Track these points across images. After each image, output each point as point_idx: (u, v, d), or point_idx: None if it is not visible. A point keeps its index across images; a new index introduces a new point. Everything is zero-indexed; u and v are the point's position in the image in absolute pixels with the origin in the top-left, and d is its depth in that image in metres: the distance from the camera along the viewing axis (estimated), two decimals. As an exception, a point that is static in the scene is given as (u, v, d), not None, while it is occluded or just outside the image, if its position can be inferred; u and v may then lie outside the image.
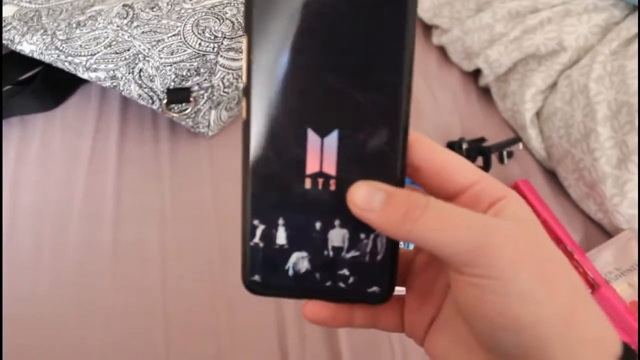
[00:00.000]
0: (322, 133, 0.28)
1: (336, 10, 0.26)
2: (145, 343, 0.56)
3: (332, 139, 0.28)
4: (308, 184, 0.28)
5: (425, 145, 0.28)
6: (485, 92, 0.90)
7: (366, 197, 0.27)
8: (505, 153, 0.78)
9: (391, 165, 0.28)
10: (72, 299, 0.58)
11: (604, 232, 0.75)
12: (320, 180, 0.28)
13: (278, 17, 0.26)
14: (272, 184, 0.29)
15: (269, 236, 0.30)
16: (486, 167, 0.75)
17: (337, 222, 0.29)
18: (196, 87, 0.65)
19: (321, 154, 0.28)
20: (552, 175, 0.81)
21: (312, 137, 0.28)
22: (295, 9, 0.26)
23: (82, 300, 0.58)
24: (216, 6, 0.62)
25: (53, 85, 0.72)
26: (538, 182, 0.79)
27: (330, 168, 0.28)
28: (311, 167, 0.28)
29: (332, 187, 0.28)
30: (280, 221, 0.29)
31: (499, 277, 0.25)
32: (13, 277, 0.58)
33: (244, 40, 0.27)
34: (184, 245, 0.63)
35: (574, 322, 0.25)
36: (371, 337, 0.61)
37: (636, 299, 0.68)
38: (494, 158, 0.78)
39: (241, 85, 0.68)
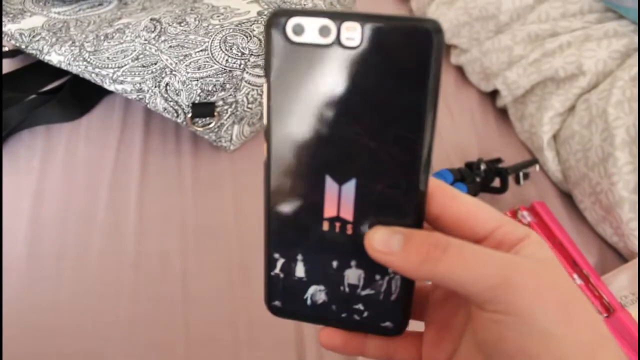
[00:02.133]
0: (340, 181, 0.28)
1: (357, 61, 0.26)
2: (164, 356, 0.57)
3: (350, 186, 0.28)
4: (325, 226, 0.29)
5: (446, 193, 0.29)
6: (503, 113, 0.91)
7: (384, 240, 0.27)
8: (521, 174, 0.79)
9: (409, 213, 0.28)
10: (92, 310, 0.58)
11: (620, 256, 0.76)
12: (338, 224, 0.29)
13: (297, 65, 0.27)
14: (291, 224, 0.30)
15: (288, 269, 0.31)
16: (503, 188, 0.75)
17: (353, 263, 0.30)
18: (221, 102, 0.65)
19: (338, 200, 0.29)
20: (568, 198, 0.82)
21: (330, 183, 0.28)
22: (315, 58, 0.26)
23: (102, 311, 0.58)
24: (243, 23, 0.63)
25: (79, 96, 0.73)
26: (554, 205, 0.80)
27: (348, 214, 0.29)
28: (329, 211, 0.29)
29: (349, 231, 0.29)
30: (299, 257, 0.31)
31: (521, 314, 0.25)
32: (35, 286, 0.58)
33: (264, 84, 0.27)
34: (205, 258, 0.64)
35: None
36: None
37: (652, 324, 0.68)
38: (510, 179, 0.78)
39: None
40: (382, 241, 0.27)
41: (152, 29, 0.65)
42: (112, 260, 0.61)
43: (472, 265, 0.25)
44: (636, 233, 0.70)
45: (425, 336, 0.32)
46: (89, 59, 0.65)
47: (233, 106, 0.66)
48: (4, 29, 0.68)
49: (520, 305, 0.25)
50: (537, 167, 0.80)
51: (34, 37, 0.67)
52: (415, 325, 0.32)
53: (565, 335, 0.25)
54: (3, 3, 0.72)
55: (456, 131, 0.86)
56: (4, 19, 0.69)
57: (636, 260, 0.71)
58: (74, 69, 0.66)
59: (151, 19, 0.66)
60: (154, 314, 0.59)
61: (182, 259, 0.63)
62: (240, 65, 0.63)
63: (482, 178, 0.75)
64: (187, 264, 0.63)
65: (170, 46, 0.64)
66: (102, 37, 0.66)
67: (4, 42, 0.71)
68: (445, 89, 0.92)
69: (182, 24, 0.65)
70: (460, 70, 0.95)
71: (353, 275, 0.30)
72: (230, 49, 0.62)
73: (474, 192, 0.74)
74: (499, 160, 0.79)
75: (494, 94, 0.92)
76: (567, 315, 0.25)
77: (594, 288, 0.69)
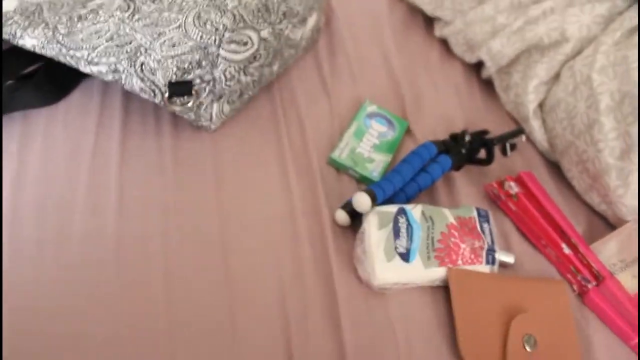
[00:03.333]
0: None
1: None
2: (148, 334, 0.56)
3: None
4: None
5: None
6: (488, 84, 0.90)
7: None
8: (508, 145, 0.78)
9: None
10: (75, 291, 0.57)
11: (608, 224, 0.75)
12: None
13: None
14: None
15: None
16: (489, 159, 0.75)
17: None
18: (198, 80, 0.64)
19: None
20: (555, 167, 0.81)
21: None
22: None
23: (85, 292, 0.58)
24: (217, -2, 0.62)
25: (55, 80, 0.71)
26: (541, 174, 0.79)
27: None
28: None
29: None
30: None
31: None
32: (17, 270, 0.58)
33: None
34: (186, 237, 0.63)
35: None
36: (376, 333, 0.61)
37: (640, 290, 0.68)
38: (496, 150, 0.77)
39: (243, 79, 0.68)
40: None
41: (126, 8, 0.64)
42: (93, 242, 0.61)
43: None
44: (624, 200, 0.69)
45: None
46: (62, 41, 0.64)
47: (211, 84, 0.65)
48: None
49: None
50: (524, 138, 0.79)
51: (6, 21, 0.66)
52: None
53: None
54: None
55: (441, 103, 0.85)
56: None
57: (624, 228, 0.71)
58: (48, 52, 0.64)
59: (124, -2, 0.65)
60: (137, 293, 0.58)
61: (163, 239, 0.62)
62: (215, 41, 0.62)
63: (467, 149, 0.74)
64: (168, 244, 0.62)
65: (144, 25, 0.63)
66: (75, 19, 0.65)
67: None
68: (430, 62, 0.91)
69: (156, 2, 0.64)
70: (444, 42, 0.94)
71: None
72: (204, 24, 0.61)
73: (459, 164, 0.73)
74: (484, 132, 0.78)
75: (479, 66, 0.91)
76: None
77: (583, 257, 0.68)
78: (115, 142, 0.69)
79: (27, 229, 0.61)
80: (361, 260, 0.63)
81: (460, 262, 0.63)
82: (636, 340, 0.65)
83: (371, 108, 0.79)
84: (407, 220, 0.64)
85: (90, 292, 0.58)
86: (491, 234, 0.67)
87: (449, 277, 0.62)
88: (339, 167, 0.73)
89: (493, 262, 0.65)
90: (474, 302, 0.62)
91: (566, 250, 0.69)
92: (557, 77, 0.79)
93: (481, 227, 0.66)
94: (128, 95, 0.74)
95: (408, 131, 0.80)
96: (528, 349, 0.59)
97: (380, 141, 0.76)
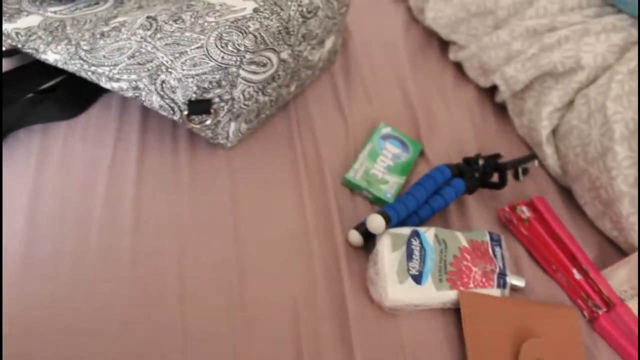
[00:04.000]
0: None
1: None
2: (161, 351, 0.57)
3: None
4: None
5: None
6: (501, 109, 0.91)
7: None
8: (520, 170, 0.78)
9: None
10: (90, 306, 0.58)
11: (619, 250, 0.75)
12: None
13: None
14: None
15: None
16: (501, 183, 0.75)
17: None
18: (217, 99, 0.65)
19: None
20: (567, 193, 0.82)
21: None
22: None
23: (100, 307, 0.58)
24: (239, 20, 0.63)
25: (75, 94, 0.73)
26: (553, 200, 0.80)
27: None
28: None
29: None
30: None
31: None
32: (32, 284, 0.58)
33: None
34: (201, 254, 0.64)
35: None
36: (387, 353, 0.61)
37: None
38: (509, 175, 0.78)
39: (261, 99, 0.69)
40: None
41: (148, 27, 0.65)
42: (109, 257, 0.61)
43: None
44: (636, 227, 0.70)
45: None
46: (85, 58, 0.65)
47: (229, 103, 0.66)
48: (0, 28, 0.68)
49: None
50: (536, 163, 0.80)
51: (30, 36, 0.67)
52: None
53: None
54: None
55: (455, 127, 0.85)
56: (0, 18, 0.69)
57: (636, 254, 0.71)
58: (70, 68, 0.66)
59: (147, 17, 0.66)
60: (151, 310, 0.59)
61: (178, 256, 0.63)
62: (236, 62, 0.63)
63: (480, 173, 0.74)
64: (183, 261, 0.63)
65: (166, 44, 0.64)
66: (98, 36, 0.66)
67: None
68: (444, 85, 0.91)
69: (178, 22, 0.65)
70: (458, 66, 0.95)
71: None
72: (226, 45, 0.62)
73: (472, 188, 0.73)
74: (497, 156, 0.79)
75: (492, 90, 0.91)
76: None
77: (593, 282, 0.68)
78: (132, 158, 0.70)
79: (43, 243, 0.62)
80: (374, 281, 0.63)
81: (472, 285, 0.63)
82: (647, 370, 0.65)
83: (385, 130, 0.79)
84: (421, 242, 0.64)
85: (105, 308, 0.58)
86: (503, 258, 0.67)
87: (460, 299, 0.63)
88: (353, 188, 0.74)
89: (504, 286, 0.65)
90: (484, 325, 0.62)
91: (577, 275, 0.70)
92: (570, 104, 0.79)
93: (493, 251, 0.66)
94: (146, 112, 0.75)
95: (422, 154, 0.81)
96: None
97: (394, 163, 0.76)
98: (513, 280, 0.67)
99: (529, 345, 0.61)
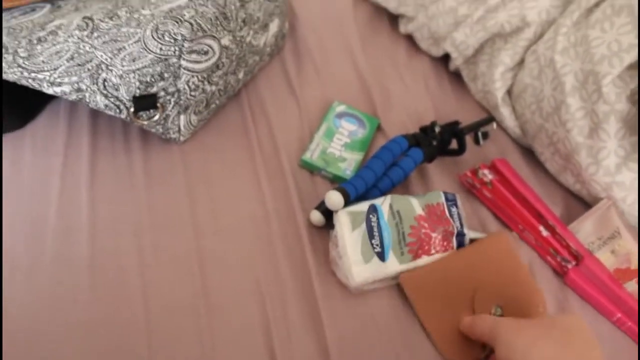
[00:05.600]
0: None
1: None
2: (127, 349, 0.56)
3: None
4: None
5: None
6: (457, 76, 0.90)
7: (461, 326, 0.59)
8: (480, 134, 0.78)
9: None
10: (50, 314, 0.57)
11: (584, 203, 0.75)
12: None
13: None
14: None
15: None
16: (460, 149, 0.75)
17: None
18: (162, 93, 0.64)
19: None
20: (528, 152, 0.82)
21: None
22: None
23: (61, 315, 0.57)
24: (174, 10, 0.62)
25: (20, 104, 0.71)
26: (515, 160, 0.80)
27: None
28: None
29: None
30: None
31: (503, 347, 0.50)
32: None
33: None
34: (161, 251, 0.63)
35: None
36: (358, 327, 0.60)
37: (620, 266, 0.68)
38: (469, 140, 0.78)
39: (208, 88, 0.68)
40: (462, 326, 0.59)
41: (85, 27, 0.64)
42: (66, 265, 0.60)
43: (479, 329, 0.55)
44: (596, 177, 0.70)
45: None
46: (23, 65, 0.63)
47: (175, 95, 0.65)
48: None
49: (501, 342, 0.50)
50: (495, 125, 0.80)
51: (-36, 49, 0.65)
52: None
53: (528, 346, 0.48)
54: None
55: (411, 98, 0.85)
56: None
57: (599, 206, 0.71)
58: (10, 77, 0.64)
59: (83, 17, 0.65)
60: (113, 310, 0.58)
61: (138, 255, 0.62)
62: (175, 52, 0.62)
63: (438, 141, 0.74)
64: (143, 260, 0.62)
65: (104, 42, 0.62)
66: (35, 41, 0.64)
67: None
68: (397, 59, 0.91)
69: (114, 19, 0.64)
70: (410, 38, 0.94)
71: None
72: (163, 36, 0.61)
73: (430, 156, 0.73)
74: (456, 123, 0.78)
75: (446, 59, 0.91)
76: (533, 335, 0.49)
77: (561, 238, 0.69)
78: (84, 162, 0.69)
79: (-2, 255, 0.60)
80: (337, 263, 0.62)
81: (433, 251, 0.63)
82: (618, 316, 0.65)
83: (340, 108, 0.79)
84: (377, 218, 0.63)
85: (65, 313, 0.57)
86: (460, 217, 0.66)
87: (403, 286, 0.62)
88: (311, 169, 0.73)
89: (464, 245, 0.65)
90: (434, 300, 0.61)
91: (544, 232, 0.70)
92: (522, 62, 0.79)
93: (449, 211, 0.66)
94: (95, 115, 0.73)
95: (379, 128, 0.80)
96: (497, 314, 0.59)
97: (351, 140, 0.76)
98: (472, 234, 0.66)
99: (480, 301, 0.60)
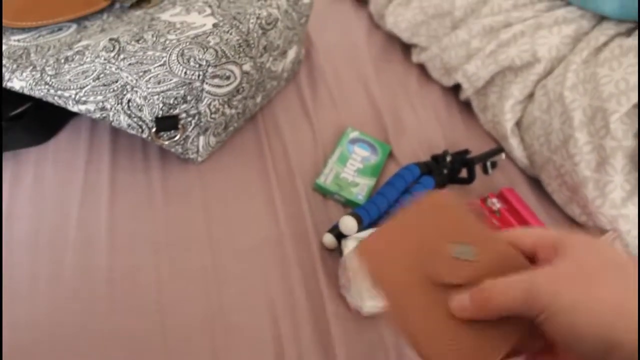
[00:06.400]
0: None
1: None
2: (144, 367, 0.57)
3: None
4: None
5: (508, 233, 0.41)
6: (467, 106, 0.93)
7: (460, 304, 0.38)
8: (489, 164, 0.80)
9: None
10: (69, 327, 0.58)
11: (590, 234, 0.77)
12: None
13: None
14: None
15: None
16: (470, 177, 0.77)
17: None
18: (184, 115, 0.66)
19: None
20: (536, 183, 0.84)
21: None
22: None
23: (79, 328, 0.58)
24: (199, 36, 0.64)
25: (44, 120, 0.73)
26: (523, 190, 0.81)
27: None
28: None
29: None
30: None
31: (546, 309, 0.34)
32: (10, 307, 0.58)
33: None
34: (177, 269, 0.64)
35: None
36: (367, 349, 0.62)
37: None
38: (478, 169, 0.80)
39: (228, 111, 0.70)
40: (459, 304, 0.38)
41: (111, 49, 0.66)
42: (85, 277, 0.62)
43: (503, 298, 0.36)
44: (602, 210, 0.72)
45: None
46: (50, 82, 0.66)
47: (196, 117, 0.67)
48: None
49: (543, 305, 0.34)
50: (504, 155, 0.82)
51: (-6, 65, 0.68)
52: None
53: (584, 312, 0.33)
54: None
55: (421, 127, 0.87)
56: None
57: (605, 237, 0.72)
58: (37, 94, 0.66)
59: (110, 39, 0.67)
60: (131, 325, 0.59)
61: (155, 272, 0.63)
62: (199, 77, 0.64)
63: (449, 169, 0.76)
64: (160, 277, 0.63)
65: (130, 63, 0.65)
66: (62, 60, 0.67)
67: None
68: (409, 87, 0.93)
69: (140, 42, 0.66)
70: (422, 68, 0.97)
71: None
72: (188, 61, 0.63)
73: (441, 184, 0.75)
74: (466, 152, 0.81)
75: (456, 88, 0.94)
76: (587, 296, 0.33)
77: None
78: (104, 178, 0.70)
79: (19, 267, 0.62)
80: (347, 288, 0.64)
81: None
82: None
83: (354, 134, 0.81)
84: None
85: (84, 326, 0.58)
86: None
87: (357, 255, 0.45)
88: (324, 193, 0.75)
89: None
90: (408, 274, 0.43)
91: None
92: (531, 96, 0.81)
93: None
94: (116, 132, 0.75)
95: (391, 155, 0.82)
96: (468, 257, 0.42)
97: (364, 165, 0.78)
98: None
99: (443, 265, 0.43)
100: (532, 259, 0.40)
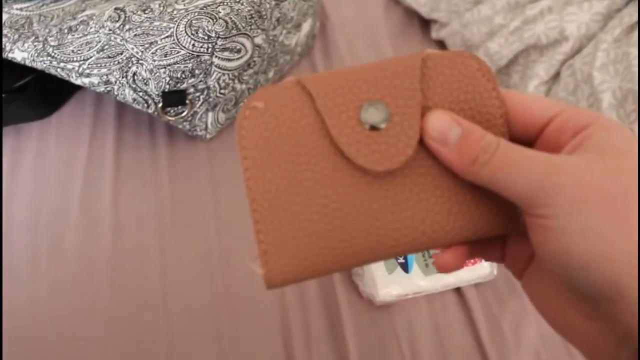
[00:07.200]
0: None
1: None
2: (146, 351, 0.55)
3: None
4: None
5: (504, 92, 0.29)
6: (487, 86, 0.89)
7: (442, 128, 0.27)
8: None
9: None
10: (70, 309, 0.56)
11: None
12: None
13: None
14: None
15: None
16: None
17: None
18: (192, 89, 0.63)
19: None
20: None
21: None
22: None
23: (81, 310, 0.56)
24: (209, 5, 0.61)
25: (47, 93, 0.70)
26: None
27: None
28: None
29: None
30: None
31: (560, 215, 0.24)
32: (10, 289, 0.57)
33: None
34: (184, 250, 0.62)
35: None
36: (379, 340, 0.59)
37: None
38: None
39: (238, 87, 0.67)
40: (439, 130, 0.27)
41: (117, 19, 0.63)
42: (88, 258, 0.60)
43: (515, 170, 0.25)
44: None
45: (509, 239, 0.32)
46: (53, 54, 0.63)
47: (205, 92, 0.64)
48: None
49: (559, 207, 0.24)
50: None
51: (-5, 34, 0.65)
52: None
53: (611, 233, 0.24)
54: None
55: (440, 107, 0.84)
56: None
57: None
58: (39, 65, 0.63)
59: (115, 9, 0.64)
60: (134, 310, 0.57)
61: (160, 253, 0.61)
62: (207, 49, 0.60)
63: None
64: (165, 258, 0.61)
65: (135, 34, 0.61)
66: (65, 30, 0.64)
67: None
68: (427, 65, 0.89)
69: (147, 11, 0.63)
70: (441, 44, 0.93)
71: None
72: (196, 32, 0.60)
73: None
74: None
75: (477, 67, 0.90)
76: (615, 214, 0.24)
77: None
78: (109, 155, 0.68)
79: (19, 247, 0.60)
80: (360, 275, 0.61)
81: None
82: None
83: (369, 113, 0.78)
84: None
85: (86, 311, 0.56)
86: None
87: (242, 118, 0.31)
88: (337, 174, 0.72)
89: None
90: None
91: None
92: (557, 76, 0.77)
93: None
94: (122, 107, 0.72)
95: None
96: (380, 125, 0.28)
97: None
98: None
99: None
100: (531, 142, 0.29)
